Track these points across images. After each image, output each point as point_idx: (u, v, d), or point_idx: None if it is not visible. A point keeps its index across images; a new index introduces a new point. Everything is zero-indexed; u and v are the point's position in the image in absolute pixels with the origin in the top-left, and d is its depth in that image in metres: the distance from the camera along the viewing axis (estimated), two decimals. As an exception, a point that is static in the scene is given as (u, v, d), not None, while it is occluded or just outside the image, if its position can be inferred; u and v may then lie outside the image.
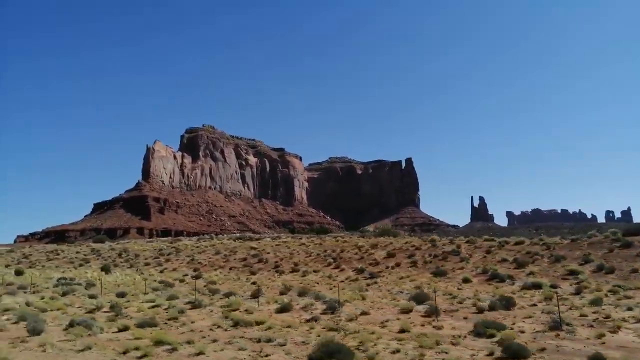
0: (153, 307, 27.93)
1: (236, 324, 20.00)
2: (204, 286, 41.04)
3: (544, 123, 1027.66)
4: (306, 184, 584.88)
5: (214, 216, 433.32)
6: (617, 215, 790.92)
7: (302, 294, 31.30)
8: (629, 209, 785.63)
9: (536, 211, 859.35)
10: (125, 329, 19.16)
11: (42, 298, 33.06)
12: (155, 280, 48.09)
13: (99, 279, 50.31)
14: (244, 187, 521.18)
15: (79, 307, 28.89)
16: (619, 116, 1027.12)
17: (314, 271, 47.37)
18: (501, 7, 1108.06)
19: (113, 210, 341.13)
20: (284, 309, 24.36)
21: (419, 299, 25.24)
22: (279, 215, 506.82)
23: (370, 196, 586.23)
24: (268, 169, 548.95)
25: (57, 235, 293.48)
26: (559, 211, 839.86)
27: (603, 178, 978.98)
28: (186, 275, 53.65)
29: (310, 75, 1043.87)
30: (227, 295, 31.86)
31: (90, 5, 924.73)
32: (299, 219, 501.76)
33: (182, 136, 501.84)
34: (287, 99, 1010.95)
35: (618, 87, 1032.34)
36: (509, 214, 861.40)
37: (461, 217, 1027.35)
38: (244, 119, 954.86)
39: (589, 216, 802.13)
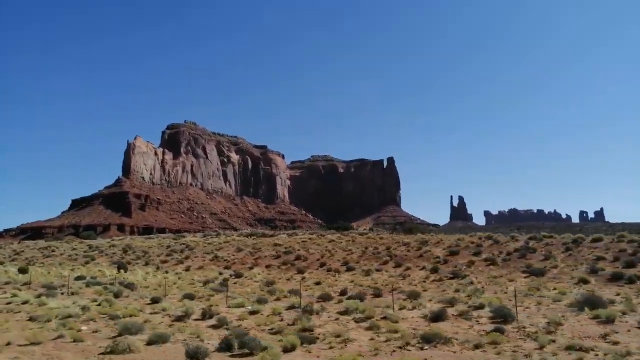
0: (252, 313, 22.82)
1: (428, 340, 15.17)
2: (267, 286, 35.91)
3: (521, 124, 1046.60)
4: (288, 182, 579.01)
5: (195, 213, 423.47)
6: (591, 215, 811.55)
7: (412, 296, 26.57)
8: (601, 209, 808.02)
9: (513, 211, 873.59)
10: (292, 348, 14.15)
11: (95, 301, 27.47)
12: (193, 280, 42.52)
13: (124, 278, 44.57)
14: (226, 185, 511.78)
15: (155, 313, 23.47)
16: (591, 118, 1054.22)
17: (376, 270, 42.64)
18: (483, 3, 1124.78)
19: (92, 207, 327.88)
20: (437, 317, 19.60)
21: (591, 303, 20.82)
22: (260, 212, 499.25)
23: (352, 195, 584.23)
24: (250, 167, 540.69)
25: (34, 232, 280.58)
26: (535, 211, 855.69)
27: (576, 179, 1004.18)
28: (221, 273, 48.23)
29: (292, 74, 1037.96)
30: (324, 299, 26.86)
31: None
32: (280, 217, 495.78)
33: (163, 132, 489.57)
34: (269, 96, 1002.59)
35: (588, 88, 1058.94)
36: (487, 214, 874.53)
37: (440, 216, 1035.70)
38: (225, 116, 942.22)
39: (564, 216, 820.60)
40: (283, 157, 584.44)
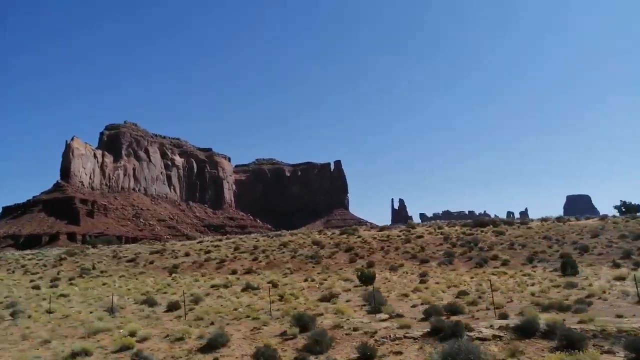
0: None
1: None
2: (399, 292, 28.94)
3: (455, 134, 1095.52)
4: (234, 186, 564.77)
5: (141, 220, 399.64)
6: (517, 215, 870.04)
7: None
8: (526, 209, 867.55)
9: (446, 213, 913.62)
10: None
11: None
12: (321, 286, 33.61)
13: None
14: (170, 189, 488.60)
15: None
16: (517, 132, 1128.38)
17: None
18: (426, 8, 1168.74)
19: (31, 214, 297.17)
20: None
21: None
22: (209, 218, 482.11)
23: (300, 198, 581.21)
24: (195, 170, 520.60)
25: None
26: (467, 212, 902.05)
27: (503, 183, 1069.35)
28: (312, 279, 39.45)
29: (230, 74, 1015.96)
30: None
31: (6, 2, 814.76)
32: (230, 223, 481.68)
33: (101, 133, 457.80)
34: (211, 98, 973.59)
35: (518, 104, 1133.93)
36: (422, 216, 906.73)
37: (382, 219, 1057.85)
38: (164, 117, 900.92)
39: (492, 216, 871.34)
40: (229, 160, 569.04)
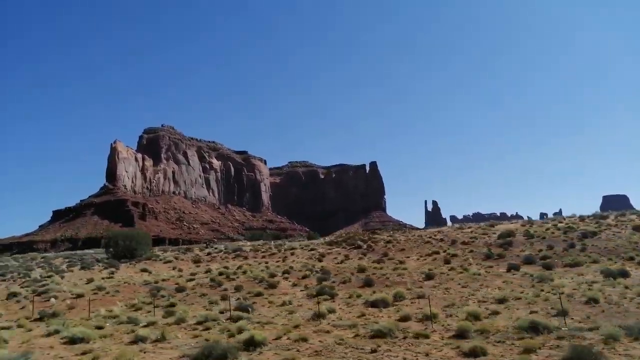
0: None
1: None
2: None
3: (483, 137, 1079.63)
4: (269, 189, 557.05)
5: (185, 224, 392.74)
6: (550, 216, 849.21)
7: None
8: (560, 210, 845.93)
9: (477, 215, 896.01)
10: None
11: None
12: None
13: None
14: (209, 193, 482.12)
15: None
16: (549, 132, 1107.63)
17: None
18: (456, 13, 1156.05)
19: (84, 218, 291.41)
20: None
21: None
22: (248, 222, 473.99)
23: (335, 201, 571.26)
24: (233, 173, 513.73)
25: (23, 247, 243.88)
26: (498, 214, 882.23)
27: (536, 184, 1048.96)
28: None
29: (261, 77, 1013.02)
30: None
31: (45, 4, 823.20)
32: (270, 226, 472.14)
33: (140, 136, 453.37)
34: (241, 99, 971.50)
35: (550, 102, 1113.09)
36: (453, 218, 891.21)
37: (415, 221, 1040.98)
38: (196, 120, 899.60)
39: (525, 218, 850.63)
40: (265, 162, 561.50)
